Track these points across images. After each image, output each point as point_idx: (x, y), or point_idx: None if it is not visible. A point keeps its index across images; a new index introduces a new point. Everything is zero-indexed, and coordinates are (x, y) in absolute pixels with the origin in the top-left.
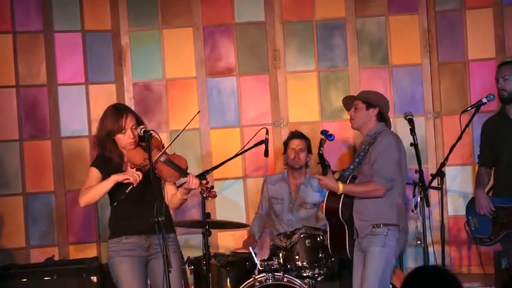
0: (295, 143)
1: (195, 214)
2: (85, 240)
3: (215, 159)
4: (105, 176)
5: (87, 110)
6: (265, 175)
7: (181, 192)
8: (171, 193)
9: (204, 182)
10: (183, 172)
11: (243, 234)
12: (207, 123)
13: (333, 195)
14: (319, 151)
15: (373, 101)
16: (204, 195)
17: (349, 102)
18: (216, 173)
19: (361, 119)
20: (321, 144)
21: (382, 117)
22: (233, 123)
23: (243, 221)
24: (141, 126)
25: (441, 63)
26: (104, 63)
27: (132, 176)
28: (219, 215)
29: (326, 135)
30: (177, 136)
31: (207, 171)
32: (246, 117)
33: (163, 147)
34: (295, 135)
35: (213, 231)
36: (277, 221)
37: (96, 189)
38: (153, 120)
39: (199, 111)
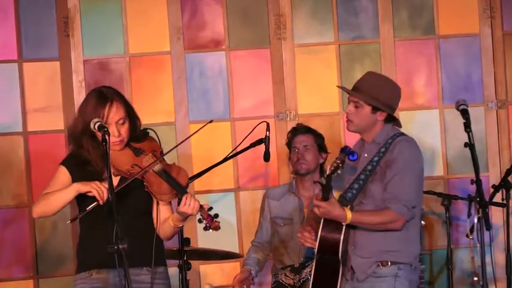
0: (299, 140)
1: (169, 240)
2: (17, 276)
3: (197, 164)
4: (75, 181)
5: (21, 97)
6: (265, 187)
7: (174, 217)
8: (164, 217)
9: (205, 206)
10: (180, 189)
11: (234, 267)
12: (186, 115)
13: (330, 223)
14: (333, 173)
15: (383, 104)
16: (204, 226)
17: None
18: (197, 184)
19: (363, 121)
20: (339, 167)
21: (391, 118)
22: (221, 115)
23: (235, 249)
24: (95, 120)
25: (507, 34)
26: (44, 33)
27: (98, 189)
28: (202, 242)
29: (347, 152)
30: (174, 147)
31: (188, 182)
32: (239, 107)
33: (161, 152)
34: (299, 130)
35: (193, 263)
36: (282, 248)
37: (53, 198)
38: None
39: (211, 121)
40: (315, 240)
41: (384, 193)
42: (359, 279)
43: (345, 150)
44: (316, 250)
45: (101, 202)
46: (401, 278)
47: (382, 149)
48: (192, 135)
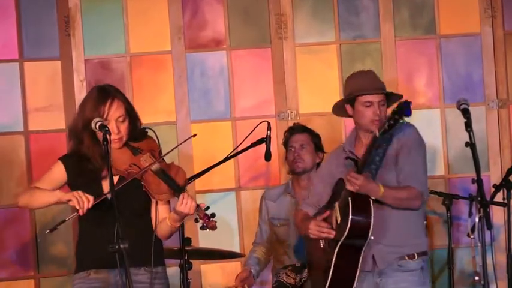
0: (295, 140)
1: (170, 240)
2: (18, 275)
3: (198, 163)
4: (70, 180)
5: (22, 96)
6: (266, 187)
7: (171, 217)
8: (162, 216)
9: (202, 205)
10: (177, 189)
11: (235, 267)
12: (187, 115)
13: (358, 205)
14: (383, 131)
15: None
16: (201, 225)
17: (341, 107)
18: (198, 183)
19: (385, 117)
20: (397, 121)
21: None
22: (222, 115)
23: (236, 248)
24: (97, 119)
25: (508, 33)
26: (45, 33)
27: (79, 198)
28: (203, 241)
29: (407, 106)
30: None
31: (186, 181)
32: (240, 106)
33: (160, 152)
34: (295, 129)
35: (194, 262)
36: (281, 249)
37: (37, 196)
38: None
39: (195, 135)
40: (334, 229)
41: (400, 175)
42: (380, 267)
43: (405, 105)
44: (345, 234)
45: (80, 212)
46: (425, 269)
47: (388, 136)
48: (176, 147)
